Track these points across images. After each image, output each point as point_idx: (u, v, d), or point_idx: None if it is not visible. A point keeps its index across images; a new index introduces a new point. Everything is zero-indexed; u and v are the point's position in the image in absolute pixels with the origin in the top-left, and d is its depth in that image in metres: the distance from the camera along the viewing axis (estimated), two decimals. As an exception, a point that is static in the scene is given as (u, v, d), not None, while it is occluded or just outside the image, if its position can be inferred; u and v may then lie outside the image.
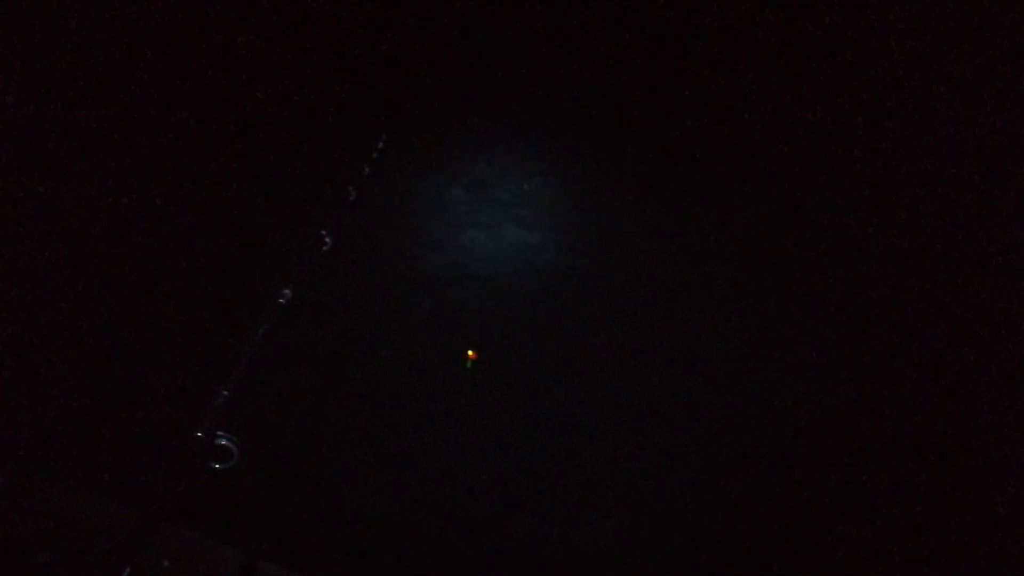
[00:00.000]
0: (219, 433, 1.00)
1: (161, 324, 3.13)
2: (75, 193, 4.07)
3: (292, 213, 4.17)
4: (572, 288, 3.69)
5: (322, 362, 3.02)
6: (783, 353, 3.06)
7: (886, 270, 3.63)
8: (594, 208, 4.65)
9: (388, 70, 6.17)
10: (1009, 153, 4.32)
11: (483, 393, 2.89)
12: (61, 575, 1.84)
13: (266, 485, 2.33)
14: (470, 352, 2.99)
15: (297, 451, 2.51)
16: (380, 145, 2.58)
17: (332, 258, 1.69)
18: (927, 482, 2.42)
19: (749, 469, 2.52)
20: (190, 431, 0.97)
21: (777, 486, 2.44)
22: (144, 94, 5.21)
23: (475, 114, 6.00)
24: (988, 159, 4.38)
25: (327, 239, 1.79)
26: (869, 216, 4.14)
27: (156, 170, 4.52)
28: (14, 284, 3.27)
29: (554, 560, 2.14)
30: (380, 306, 3.45)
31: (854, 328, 3.24)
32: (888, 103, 5.11)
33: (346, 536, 2.17)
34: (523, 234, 4.21)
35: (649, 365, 3.03)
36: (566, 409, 2.82)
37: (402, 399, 2.83)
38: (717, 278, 3.64)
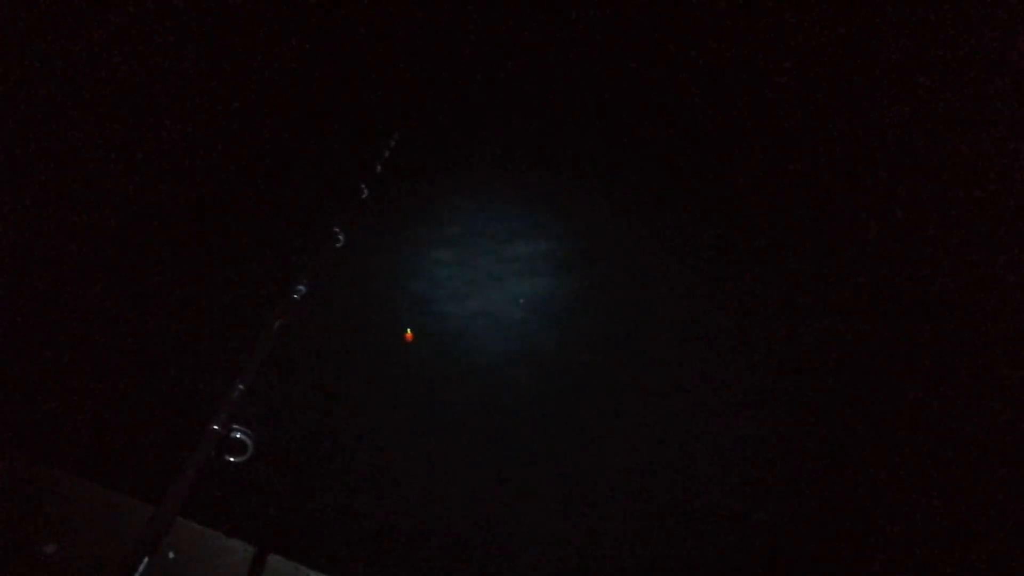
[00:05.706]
0: (234, 426, 1.00)
1: (177, 317, 3.16)
2: (94, 189, 4.11)
3: (306, 210, 4.20)
4: (583, 291, 3.68)
5: (336, 356, 3.03)
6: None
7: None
8: (603, 213, 4.64)
9: (400, 69, 6.18)
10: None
11: (496, 395, 2.89)
12: (70, 566, 1.84)
13: (277, 478, 2.34)
14: (407, 332, 3.00)
15: (309, 445, 2.52)
16: (392, 144, 2.59)
17: (345, 254, 1.70)
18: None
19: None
20: (206, 424, 0.98)
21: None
22: (161, 93, 5.24)
23: (487, 112, 6.00)
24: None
25: (340, 236, 1.80)
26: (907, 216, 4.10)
27: (173, 168, 4.55)
28: (31, 277, 3.30)
29: (563, 559, 2.14)
30: (393, 302, 3.46)
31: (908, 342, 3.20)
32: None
33: (357, 531, 2.18)
34: (535, 234, 4.21)
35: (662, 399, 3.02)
36: (574, 424, 2.81)
37: (415, 395, 2.84)
38: (720, 325, 3.63)
